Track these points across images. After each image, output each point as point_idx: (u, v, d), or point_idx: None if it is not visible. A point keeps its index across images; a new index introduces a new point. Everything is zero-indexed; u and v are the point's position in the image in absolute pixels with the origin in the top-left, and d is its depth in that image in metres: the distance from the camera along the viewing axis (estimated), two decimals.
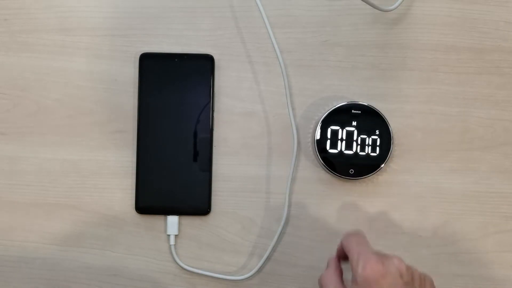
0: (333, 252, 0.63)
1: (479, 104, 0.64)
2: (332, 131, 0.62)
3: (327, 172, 0.63)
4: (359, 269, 0.50)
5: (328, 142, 0.62)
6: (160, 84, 0.62)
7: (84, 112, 0.63)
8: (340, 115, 0.62)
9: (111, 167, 0.63)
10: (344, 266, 0.55)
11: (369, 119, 0.62)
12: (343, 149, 0.62)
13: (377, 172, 0.62)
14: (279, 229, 0.62)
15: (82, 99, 0.63)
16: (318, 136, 0.62)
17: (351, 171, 0.61)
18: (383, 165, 0.62)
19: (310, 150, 0.63)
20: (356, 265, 0.50)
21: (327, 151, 0.62)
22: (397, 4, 0.63)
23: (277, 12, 0.63)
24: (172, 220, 0.62)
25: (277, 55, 0.61)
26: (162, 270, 0.63)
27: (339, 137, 0.62)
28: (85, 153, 0.63)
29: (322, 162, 0.62)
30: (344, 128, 0.62)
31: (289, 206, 0.63)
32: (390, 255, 0.51)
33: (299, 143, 0.63)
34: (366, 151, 0.61)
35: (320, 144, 0.62)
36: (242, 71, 0.64)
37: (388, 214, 0.63)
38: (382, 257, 0.51)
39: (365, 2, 0.60)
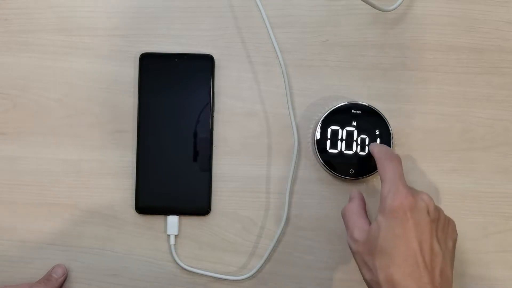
0: (332, 252, 0.63)
1: (479, 104, 0.64)
2: (332, 131, 0.62)
3: (327, 172, 0.63)
4: (388, 199, 0.52)
5: (328, 142, 0.62)
6: (160, 84, 0.62)
7: (84, 112, 0.63)
8: (340, 115, 0.62)
9: (111, 167, 0.63)
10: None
11: (369, 119, 0.62)
12: (343, 149, 0.62)
13: (377, 172, 0.62)
14: (279, 229, 0.62)
15: (82, 99, 0.63)
16: (318, 136, 0.62)
17: (351, 171, 0.61)
18: None
19: (310, 150, 0.63)
20: (387, 195, 0.52)
21: (327, 151, 0.62)
22: (397, 4, 0.63)
23: (277, 12, 0.63)
24: (172, 220, 0.62)
25: (277, 55, 0.61)
26: (162, 270, 0.63)
27: (339, 137, 0.62)
28: (85, 153, 0.63)
29: (322, 162, 0.62)
30: (344, 128, 0.62)
31: (289, 206, 0.63)
32: (422, 192, 0.53)
33: (299, 143, 0.63)
34: (366, 151, 0.61)
35: (320, 144, 0.62)
36: (242, 71, 0.64)
37: None
38: (413, 191, 0.53)
39: (365, 2, 0.60)
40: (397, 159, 0.55)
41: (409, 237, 0.50)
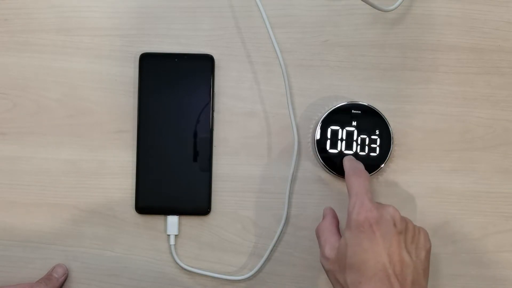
0: None
1: (479, 104, 0.64)
2: (332, 131, 0.62)
3: (327, 172, 0.63)
4: (354, 214, 0.52)
5: (328, 142, 0.62)
6: (160, 84, 0.62)
7: (84, 112, 0.63)
8: (340, 115, 0.62)
9: (111, 167, 0.63)
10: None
11: (369, 119, 0.62)
12: (343, 149, 0.62)
13: (377, 172, 0.62)
14: (279, 229, 0.62)
15: (82, 99, 0.63)
16: (318, 136, 0.62)
17: None
18: (383, 165, 0.62)
19: (310, 150, 0.63)
20: (352, 210, 0.52)
21: (327, 151, 0.62)
22: (397, 4, 0.63)
23: (277, 12, 0.63)
24: (172, 220, 0.62)
25: (277, 55, 0.61)
26: (162, 270, 0.63)
27: (339, 137, 0.62)
28: (85, 153, 0.63)
29: (322, 162, 0.62)
30: (344, 128, 0.62)
31: (289, 206, 0.63)
32: (387, 205, 0.53)
33: (299, 143, 0.63)
34: (366, 151, 0.61)
35: (320, 144, 0.62)
36: (242, 71, 0.64)
37: None
38: (378, 205, 0.52)
39: (365, 2, 0.60)
40: (365, 175, 0.55)
41: (377, 250, 0.49)
